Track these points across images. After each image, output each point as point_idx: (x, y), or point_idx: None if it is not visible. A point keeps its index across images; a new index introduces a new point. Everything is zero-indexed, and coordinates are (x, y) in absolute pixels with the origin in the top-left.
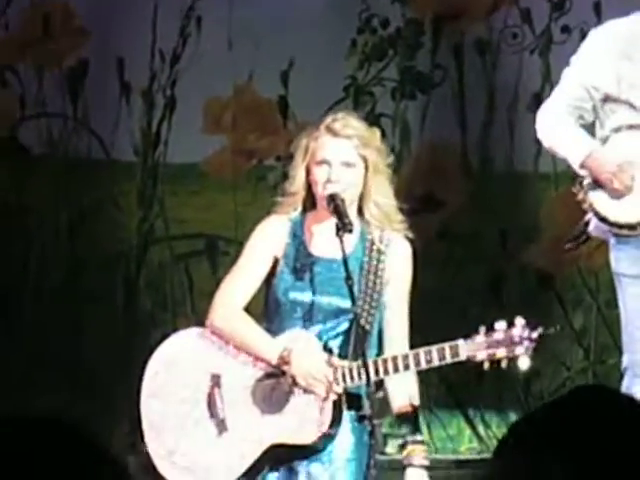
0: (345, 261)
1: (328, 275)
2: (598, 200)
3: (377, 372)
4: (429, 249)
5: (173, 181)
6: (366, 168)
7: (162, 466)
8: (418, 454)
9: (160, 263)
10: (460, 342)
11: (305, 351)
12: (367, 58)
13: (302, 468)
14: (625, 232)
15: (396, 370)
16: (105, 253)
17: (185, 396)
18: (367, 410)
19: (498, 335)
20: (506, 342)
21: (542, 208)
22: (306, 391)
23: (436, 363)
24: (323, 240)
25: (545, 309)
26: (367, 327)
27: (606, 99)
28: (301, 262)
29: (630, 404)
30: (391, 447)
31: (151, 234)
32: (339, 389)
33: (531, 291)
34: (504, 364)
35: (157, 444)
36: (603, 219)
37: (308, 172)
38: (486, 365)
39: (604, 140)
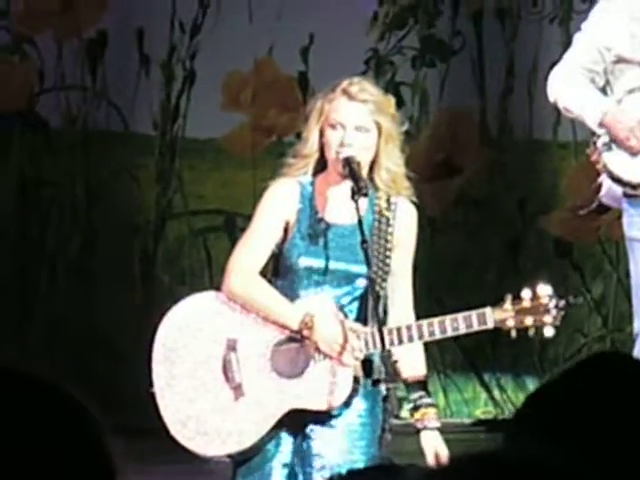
0: (360, 224)
1: (340, 241)
2: (612, 160)
3: (400, 339)
4: (446, 215)
5: (191, 156)
6: (379, 134)
7: (175, 430)
8: (431, 416)
9: (178, 238)
10: (487, 310)
11: (328, 317)
12: (388, 28)
13: (316, 433)
14: (639, 192)
15: (421, 337)
16: (122, 226)
17: (199, 360)
18: (382, 374)
19: (526, 303)
20: (534, 310)
21: (561, 177)
22: (326, 357)
23: (463, 331)
24: (334, 205)
25: (562, 277)
26: (381, 292)
27: (618, 60)
28: (313, 228)
29: None
30: (406, 411)
31: (169, 209)
32: (361, 355)
33: (548, 259)
34: (531, 332)
35: (170, 409)
36: (617, 179)
37: (321, 134)
38: (513, 333)
39: (618, 102)
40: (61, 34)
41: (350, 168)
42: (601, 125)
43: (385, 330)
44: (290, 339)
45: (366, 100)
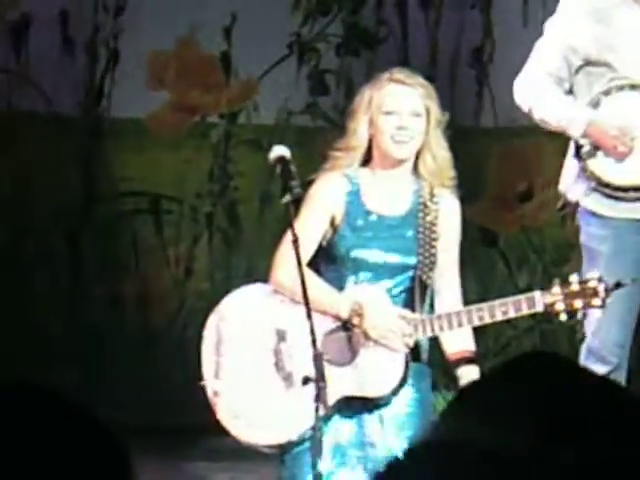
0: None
1: (388, 232)
2: (599, 166)
3: (450, 325)
4: None
5: (116, 137)
6: (428, 119)
7: (229, 422)
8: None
9: (104, 220)
10: (536, 293)
11: (378, 304)
12: (311, 13)
13: (366, 421)
14: (631, 195)
15: (470, 322)
16: (49, 209)
17: (249, 351)
18: (425, 359)
19: (574, 287)
20: (583, 294)
21: (483, 164)
22: (376, 344)
23: (512, 314)
24: (382, 196)
25: (488, 266)
26: (429, 282)
27: (585, 62)
28: (360, 220)
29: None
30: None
31: (95, 191)
32: (411, 342)
33: (474, 248)
34: (580, 315)
35: (223, 401)
36: (607, 185)
37: (369, 125)
38: (563, 317)
39: (594, 104)
40: None
41: (282, 167)
42: (584, 135)
43: (434, 316)
44: (339, 328)
45: (416, 85)
